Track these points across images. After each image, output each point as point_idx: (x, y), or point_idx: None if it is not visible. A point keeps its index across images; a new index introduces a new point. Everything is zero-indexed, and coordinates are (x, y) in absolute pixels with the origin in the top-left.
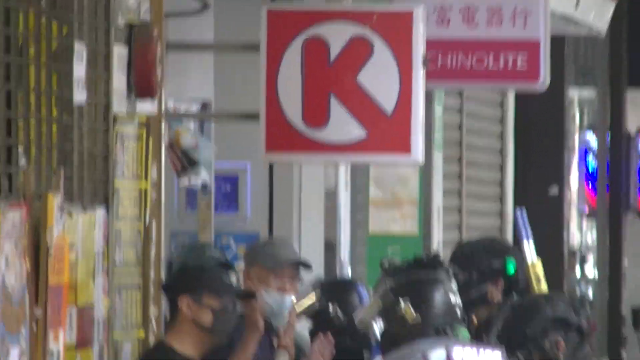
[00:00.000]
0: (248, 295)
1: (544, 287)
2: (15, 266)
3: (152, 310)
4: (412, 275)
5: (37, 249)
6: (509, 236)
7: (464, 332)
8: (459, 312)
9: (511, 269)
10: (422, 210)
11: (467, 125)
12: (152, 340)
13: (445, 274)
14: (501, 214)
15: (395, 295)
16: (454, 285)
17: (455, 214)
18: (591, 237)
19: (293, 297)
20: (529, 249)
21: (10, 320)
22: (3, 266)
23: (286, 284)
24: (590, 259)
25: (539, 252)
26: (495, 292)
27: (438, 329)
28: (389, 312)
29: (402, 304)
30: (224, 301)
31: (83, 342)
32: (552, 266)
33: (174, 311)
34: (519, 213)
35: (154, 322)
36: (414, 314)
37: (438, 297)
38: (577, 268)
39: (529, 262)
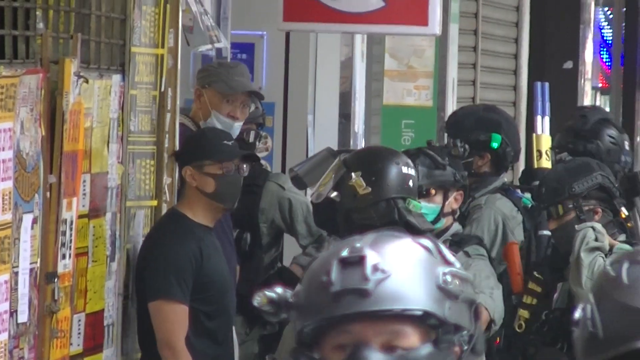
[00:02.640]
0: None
1: (544, 163)
2: (31, 132)
3: (166, 179)
4: (364, 149)
5: (52, 115)
6: (523, 110)
7: (416, 204)
8: (412, 185)
9: (495, 144)
10: (437, 83)
11: None
12: (165, 209)
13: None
14: (515, 88)
15: (347, 167)
16: (408, 160)
17: (470, 87)
18: None
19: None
20: (542, 125)
21: (24, 186)
22: (18, 132)
23: (237, 110)
24: None
25: (552, 127)
26: (480, 165)
27: (389, 200)
28: (340, 185)
29: (353, 175)
30: (226, 167)
31: (96, 209)
32: None
33: (183, 181)
34: (539, 87)
35: (167, 190)
36: (364, 184)
37: (390, 170)
38: None
39: (534, 135)
